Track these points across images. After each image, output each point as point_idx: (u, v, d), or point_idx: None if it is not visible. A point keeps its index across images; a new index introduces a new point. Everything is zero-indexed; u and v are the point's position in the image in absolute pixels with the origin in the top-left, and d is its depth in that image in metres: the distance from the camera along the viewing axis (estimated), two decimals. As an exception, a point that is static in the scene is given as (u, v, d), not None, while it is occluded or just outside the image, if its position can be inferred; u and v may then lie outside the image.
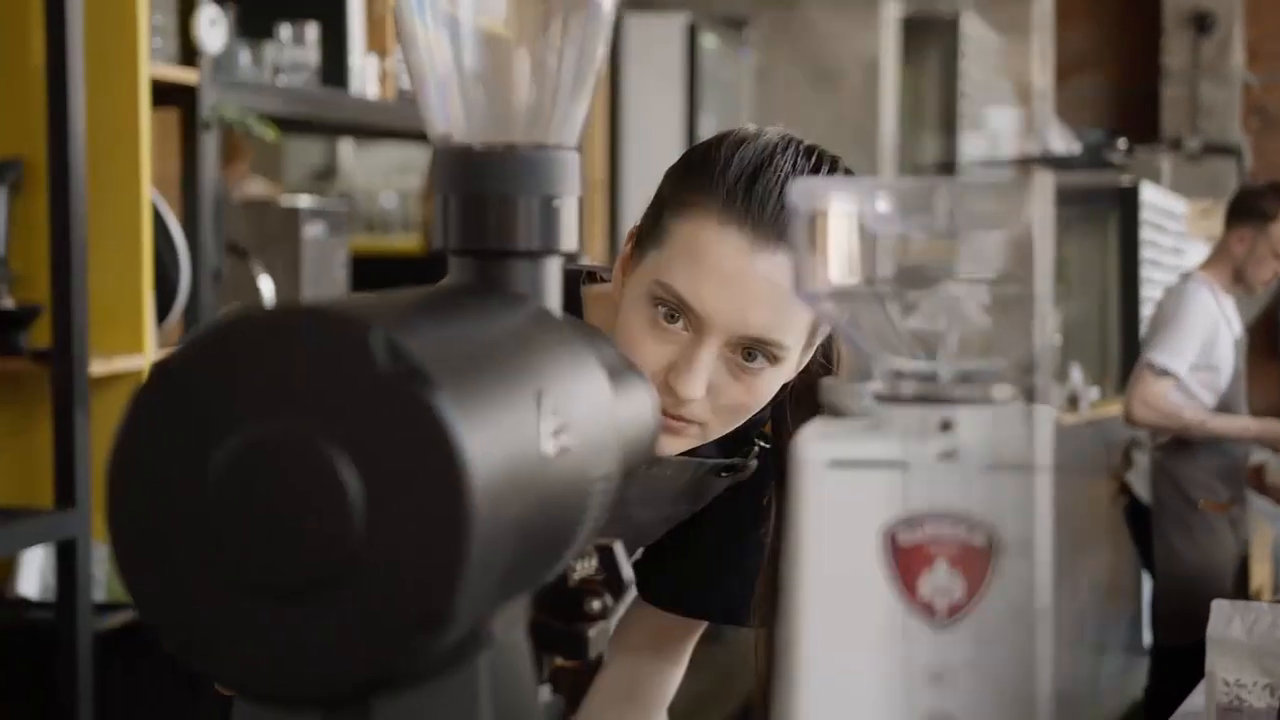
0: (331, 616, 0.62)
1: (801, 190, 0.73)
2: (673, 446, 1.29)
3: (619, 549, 0.91)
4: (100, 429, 2.37)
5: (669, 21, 6.01)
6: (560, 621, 0.86)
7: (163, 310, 2.59)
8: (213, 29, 2.63)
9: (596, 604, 0.86)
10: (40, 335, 2.41)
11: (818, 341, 1.33)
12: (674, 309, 1.24)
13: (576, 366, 0.77)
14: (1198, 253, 8.23)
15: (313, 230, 3.05)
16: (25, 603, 2.63)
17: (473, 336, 0.70)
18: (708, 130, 6.38)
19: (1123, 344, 6.94)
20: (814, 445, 0.70)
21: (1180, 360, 4.20)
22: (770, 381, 1.27)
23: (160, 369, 0.63)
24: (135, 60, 2.47)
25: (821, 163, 1.28)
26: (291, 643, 0.62)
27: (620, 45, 4.66)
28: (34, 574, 2.70)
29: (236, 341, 0.63)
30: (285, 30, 3.02)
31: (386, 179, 5.85)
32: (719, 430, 1.29)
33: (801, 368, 1.33)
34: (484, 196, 0.81)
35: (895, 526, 0.69)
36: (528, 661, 0.75)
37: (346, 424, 0.62)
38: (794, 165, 1.25)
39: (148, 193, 2.50)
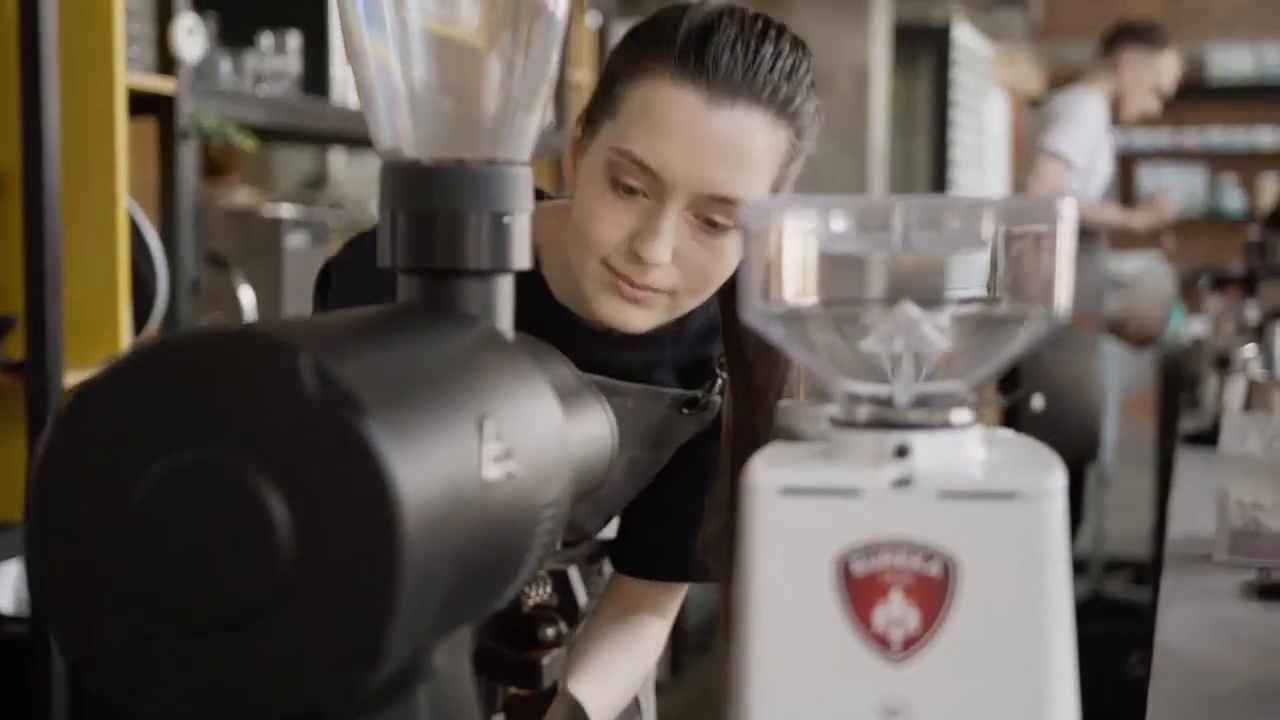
0: (260, 650, 0.60)
1: (753, 208, 0.70)
2: (642, 320, 1.27)
3: (574, 574, 0.88)
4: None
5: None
6: (513, 650, 0.83)
7: (140, 321, 2.56)
8: (191, 38, 2.61)
9: (550, 631, 0.84)
10: (14, 347, 2.38)
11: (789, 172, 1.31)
12: (633, 177, 1.23)
13: (525, 389, 0.74)
14: (998, 99, 8.40)
15: (295, 240, 3.03)
16: (0, 617, 2.60)
17: (412, 360, 0.67)
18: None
19: (932, 186, 7.14)
20: (765, 471, 0.68)
21: (1073, 148, 4.32)
22: (736, 246, 1.25)
23: (84, 391, 0.61)
24: (111, 69, 2.44)
25: (769, 27, 1.27)
26: (218, 677, 0.60)
27: (608, 51, 4.62)
28: (8, 588, 2.68)
29: (162, 364, 0.61)
30: (266, 39, 2.99)
31: (378, 188, 5.82)
32: (688, 302, 1.27)
33: None
34: (432, 213, 0.79)
35: (849, 555, 0.67)
36: (471, 693, 0.72)
37: (274, 451, 0.59)
38: (742, 26, 1.25)
39: (124, 202, 2.47)
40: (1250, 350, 3.14)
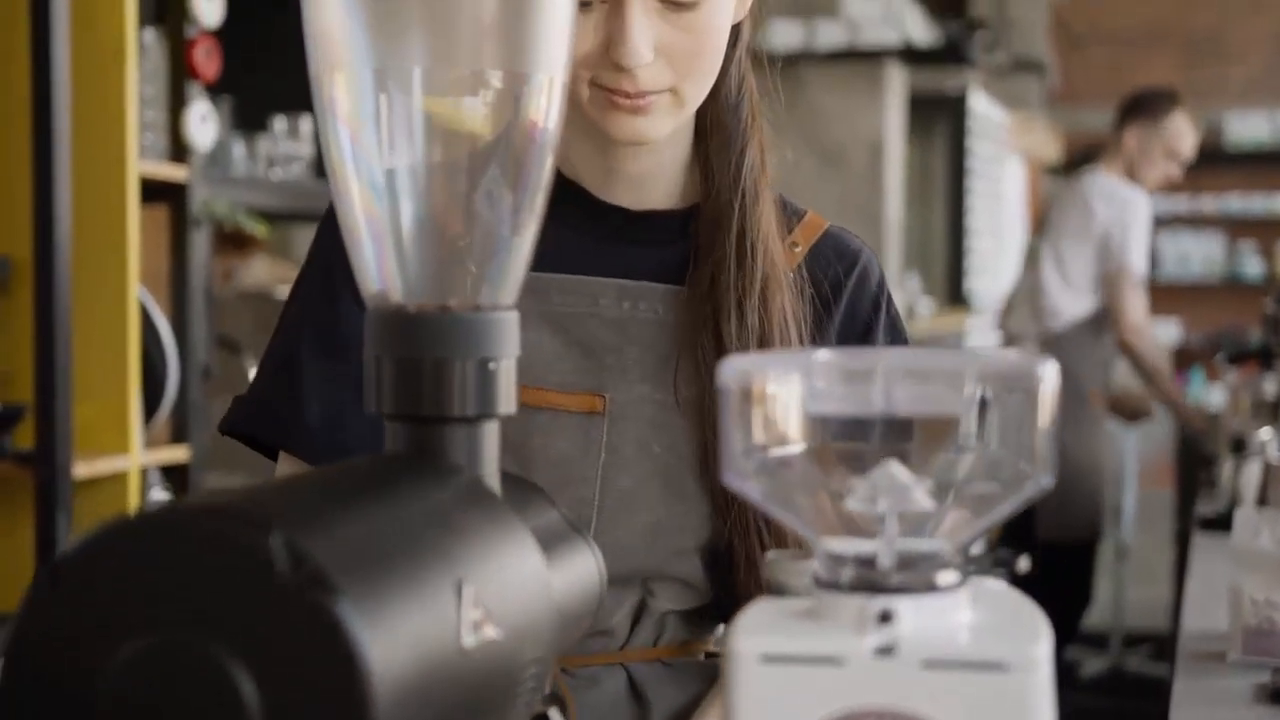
0: (230, 832, 0.59)
1: (733, 366, 0.70)
2: (654, 127, 1.19)
3: (555, 716, 0.87)
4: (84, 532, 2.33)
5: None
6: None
7: (150, 409, 2.56)
8: (204, 125, 2.62)
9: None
10: (24, 436, 2.39)
11: None
12: None
13: (507, 545, 0.74)
14: (1015, 165, 8.43)
15: (308, 321, 3.02)
16: (8, 705, 2.58)
17: (388, 526, 0.67)
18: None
19: (949, 254, 7.15)
20: (747, 638, 0.67)
21: (1143, 260, 4.37)
22: (714, 14, 1.17)
23: (54, 569, 0.60)
24: (124, 157, 2.46)
25: None
26: None
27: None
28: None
29: (132, 542, 0.60)
30: (280, 122, 3.01)
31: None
32: (695, 92, 1.19)
33: None
34: (418, 360, 0.79)
35: (831, 725, 0.66)
36: None
37: (245, 632, 0.59)
38: None
39: (135, 291, 2.48)
40: (1267, 433, 3.11)
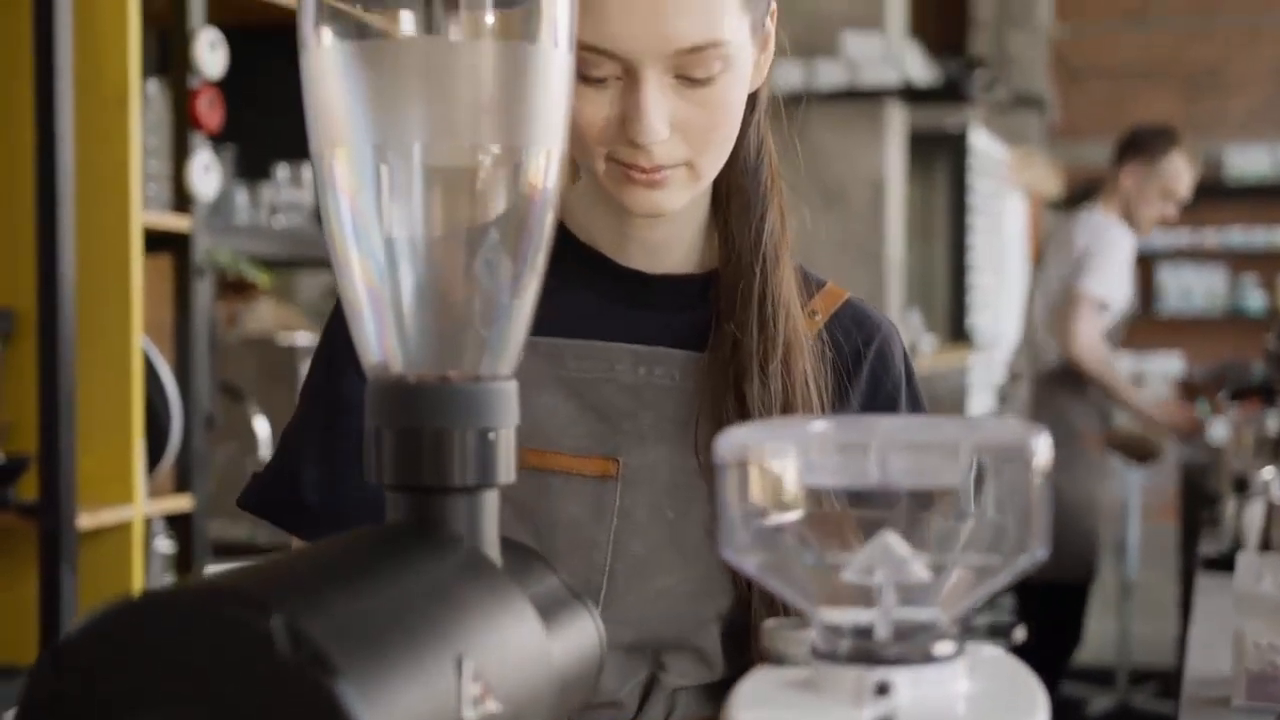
0: None
1: (729, 440, 0.71)
2: (670, 200, 1.18)
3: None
4: (88, 584, 2.34)
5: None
6: None
7: (154, 458, 2.57)
8: (206, 175, 2.64)
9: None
10: (28, 488, 2.39)
11: (767, 21, 1.22)
12: (596, 67, 1.14)
13: (506, 616, 0.74)
14: (1016, 200, 8.45)
15: (311, 366, 3.04)
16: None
17: (388, 602, 0.67)
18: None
19: (950, 290, 7.16)
20: (746, 711, 0.68)
21: (1107, 290, 4.34)
22: (730, 89, 1.16)
23: (57, 651, 0.61)
24: (128, 208, 2.47)
25: None
26: None
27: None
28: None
29: (134, 623, 0.61)
30: (282, 170, 3.03)
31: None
32: (710, 165, 1.19)
33: (766, 62, 1.23)
34: (418, 430, 0.79)
35: (829, 799, 0.66)
36: None
37: (247, 713, 0.59)
38: None
39: (139, 342, 2.49)
40: (1269, 472, 3.11)
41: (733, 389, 1.22)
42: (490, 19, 0.80)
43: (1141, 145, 4.51)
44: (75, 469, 2.36)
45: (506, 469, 0.81)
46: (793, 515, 0.71)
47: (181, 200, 2.67)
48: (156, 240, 2.62)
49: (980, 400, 7.31)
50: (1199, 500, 4.70)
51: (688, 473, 1.22)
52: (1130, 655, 5.41)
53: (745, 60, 1.17)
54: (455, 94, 0.79)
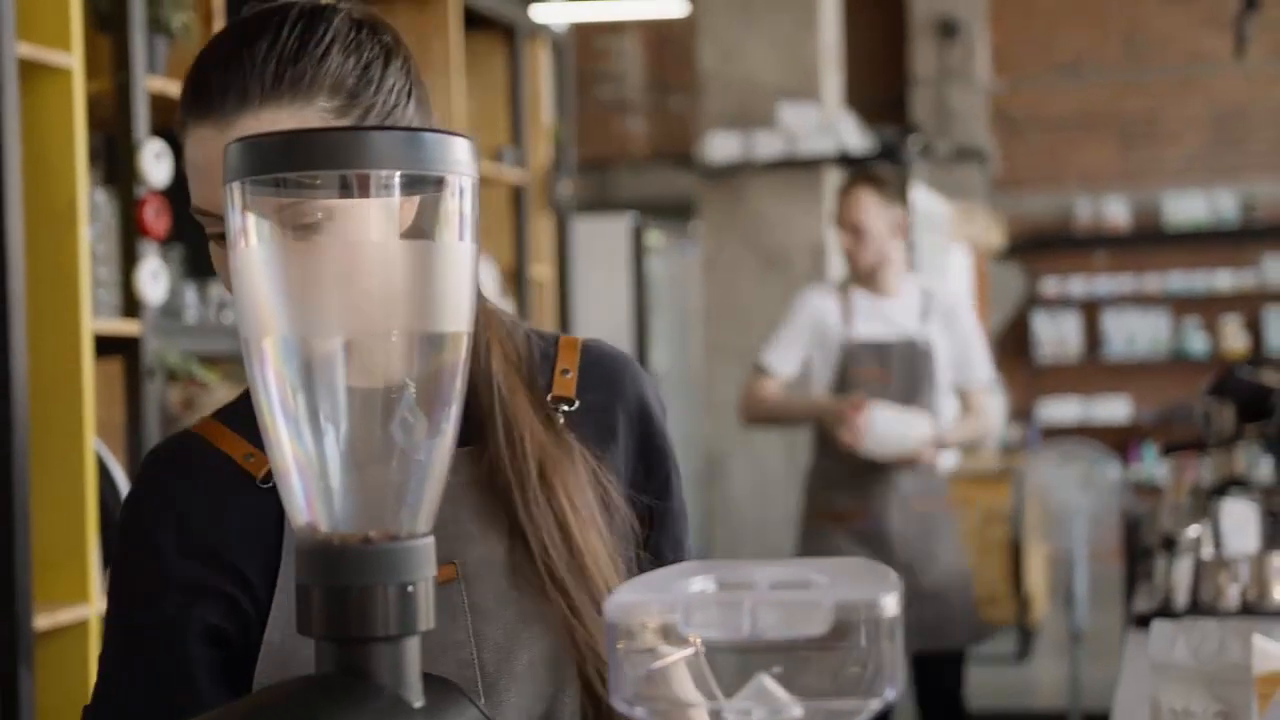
0: None
1: (615, 602, 0.79)
2: None
3: None
4: (46, 683, 2.40)
5: (616, 221, 6.21)
6: None
7: (108, 557, 2.63)
8: (155, 281, 2.72)
9: None
10: (-16, 589, 2.45)
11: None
12: (214, 226, 1.19)
13: (425, 761, 0.82)
14: (960, 254, 8.60)
15: (262, 454, 3.10)
16: None
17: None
18: (658, 322, 6.57)
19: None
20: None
21: (775, 359, 4.12)
22: (355, 233, 1.12)
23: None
24: (78, 315, 2.55)
25: (265, 24, 1.20)
26: None
27: (569, 244, 4.78)
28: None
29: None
30: (229, 267, 3.11)
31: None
32: None
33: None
34: (344, 588, 0.88)
35: None
36: None
37: None
38: (235, 38, 1.20)
39: (91, 444, 2.56)
40: (1194, 530, 3.20)
41: (506, 505, 1.27)
42: (398, 216, 0.89)
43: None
44: (31, 571, 2.43)
45: (426, 616, 0.89)
46: (675, 666, 0.80)
47: (130, 305, 2.75)
48: (107, 344, 2.70)
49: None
50: (1138, 549, 4.80)
51: (516, 551, 1.27)
52: (1081, 700, 5.51)
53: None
54: (370, 287, 0.88)
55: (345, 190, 0.89)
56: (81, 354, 2.54)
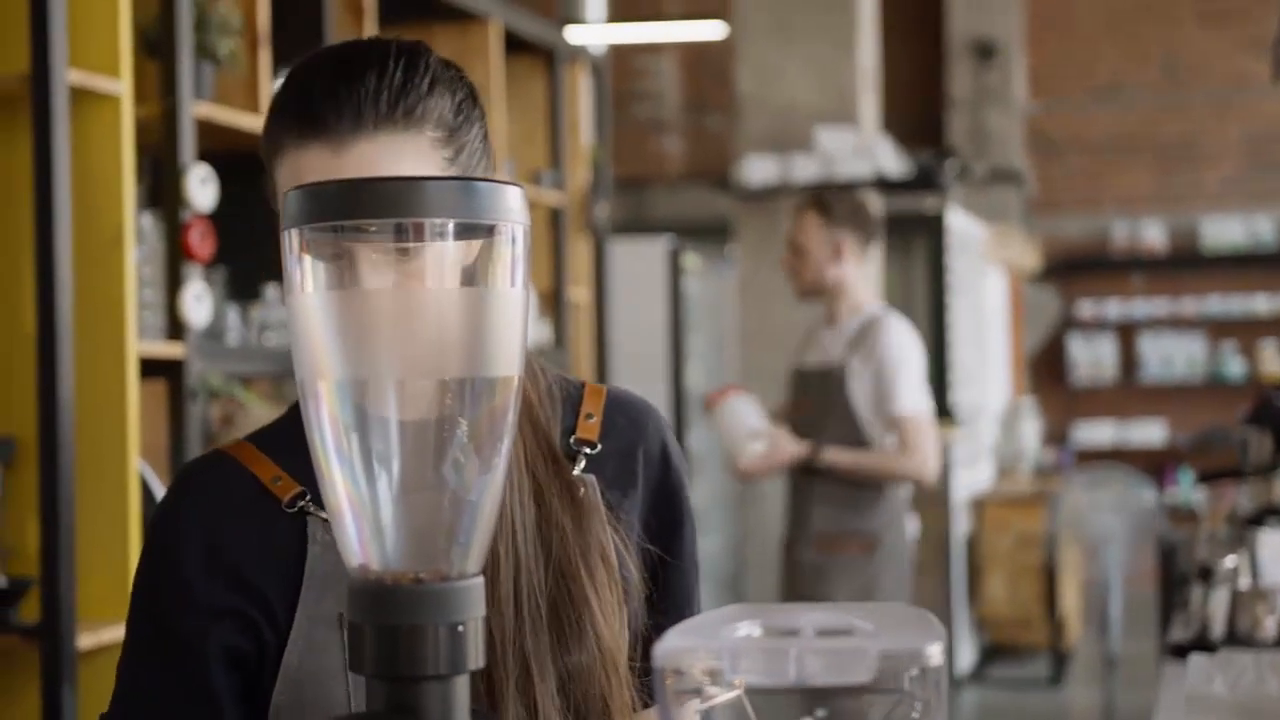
0: None
1: (664, 648, 0.81)
2: None
3: None
4: (88, 703, 2.43)
5: (653, 243, 6.23)
6: None
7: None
8: (198, 304, 2.75)
9: None
10: (30, 610, 2.48)
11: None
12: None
13: (474, 799, 0.84)
14: (995, 276, 8.57)
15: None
16: None
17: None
18: (694, 343, 6.59)
19: (932, 368, 7.25)
20: None
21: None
22: (440, 260, 1.12)
23: None
24: (124, 338, 2.58)
25: (369, 52, 1.24)
26: None
27: (606, 267, 4.80)
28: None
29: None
30: (272, 290, 3.14)
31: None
32: None
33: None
34: (395, 627, 0.89)
35: None
36: None
37: None
38: (339, 64, 1.23)
39: (135, 465, 2.59)
40: (1231, 560, 3.19)
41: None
42: (453, 262, 0.90)
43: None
44: (75, 590, 2.46)
45: (475, 656, 0.91)
46: (722, 710, 0.82)
47: (175, 328, 2.78)
48: (151, 367, 2.73)
49: (964, 476, 7.41)
50: (1174, 577, 4.78)
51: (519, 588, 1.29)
52: (1115, 727, 5.50)
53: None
54: (424, 335, 0.90)
55: (401, 237, 0.91)
56: (127, 376, 2.57)
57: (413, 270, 0.99)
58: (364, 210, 0.89)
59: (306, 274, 0.90)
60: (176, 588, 1.28)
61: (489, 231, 0.91)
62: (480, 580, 0.92)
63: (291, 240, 0.90)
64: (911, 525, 4.12)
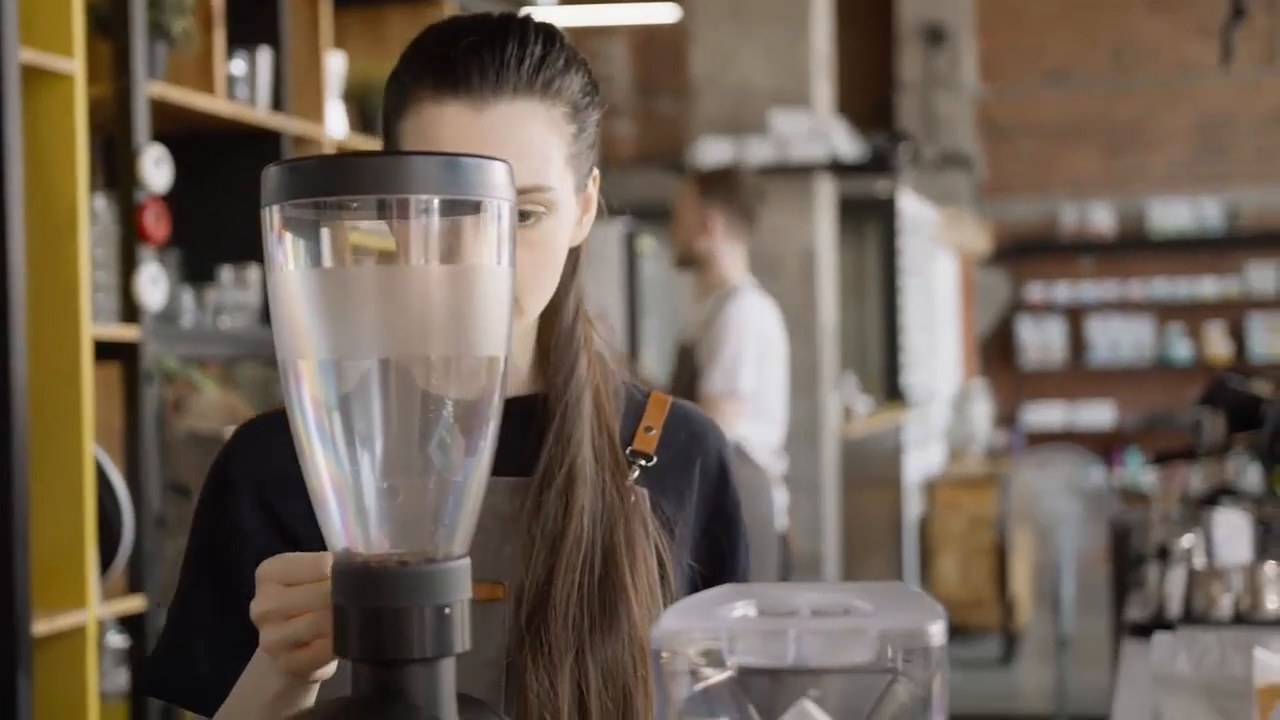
0: None
1: (661, 630, 0.80)
2: None
3: None
4: (44, 689, 2.39)
5: (608, 228, 6.20)
6: None
7: (106, 560, 2.63)
8: (154, 287, 2.71)
9: None
10: (-18, 596, 2.45)
11: (589, 184, 1.30)
12: None
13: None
14: (946, 259, 8.63)
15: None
16: None
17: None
18: (649, 328, 6.58)
19: (884, 352, 7.32)
20: None
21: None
22: (554, 233, 1.24)
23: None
24: (78, 321, 2.54)
25: (509, 21, 1.26)
26: None
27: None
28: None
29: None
30: (227, 273, 3.11)
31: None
32: (534, 304, 1.26)
33: (588, 223, 1.31)
34: (380, 610, 0.88)
35: None
36: None
37: None
38: (483, 27, 1.25)
39: (90, 449, 2.55)
40: (1188, 540, 3.21)
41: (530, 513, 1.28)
42: (437, 239, 0.89)
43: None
44: (30, 577, 2.42)
45: (462, 638, 0.90)
46: (720, 690, 0.80)
47: (130, 311, 2.74)
48: (106, 349, 2.69)
49: (916, 458, 7.44)
50: (1127, 557, 4.80)
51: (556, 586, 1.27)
52: (1067, 706, 5.53)
53: (569, 211, 1.26)
54: (407, 313, 0.88)
55: (384, 214, 0.89)
56: (81, 359, 2.53)
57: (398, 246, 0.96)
58: (346, 186, 0.88)
59: (288, 251, 0.88)
60: (230, 519, 1.28)
61: (475, 208, 0.89)
62: (466, 562, 0.91)
63: (272, 217, 0.88)
64: (779, 498, 4.05)
